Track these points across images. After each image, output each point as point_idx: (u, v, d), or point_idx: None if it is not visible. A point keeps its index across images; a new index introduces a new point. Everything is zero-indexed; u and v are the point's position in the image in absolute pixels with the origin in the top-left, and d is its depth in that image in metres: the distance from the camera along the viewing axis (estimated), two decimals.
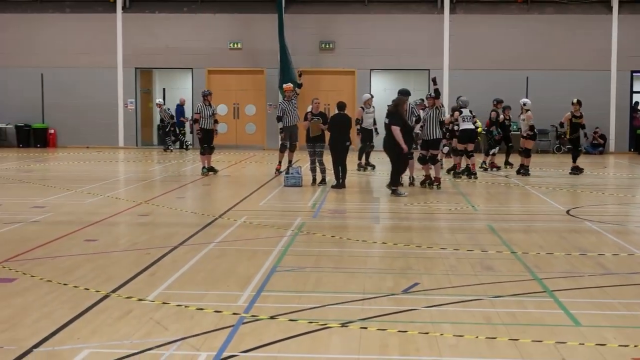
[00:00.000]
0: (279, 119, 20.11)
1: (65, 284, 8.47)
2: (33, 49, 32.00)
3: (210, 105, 20.69)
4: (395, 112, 16.65)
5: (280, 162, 20.71)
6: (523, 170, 21.14)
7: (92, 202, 15.06)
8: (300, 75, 22.04)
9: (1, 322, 7.04)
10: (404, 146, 16.18)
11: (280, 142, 20.46)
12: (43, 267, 9.43)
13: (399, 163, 16.52)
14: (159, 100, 31.03)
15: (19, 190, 17.40)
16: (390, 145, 16.49)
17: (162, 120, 30.70)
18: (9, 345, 6.40)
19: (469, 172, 20.28)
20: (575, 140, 21.38)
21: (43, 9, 32.26)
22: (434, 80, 18.28)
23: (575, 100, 21.20)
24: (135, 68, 32.14)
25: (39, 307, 7.59)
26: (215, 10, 31.80)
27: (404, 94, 17.82)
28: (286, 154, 20.22)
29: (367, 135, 21.77)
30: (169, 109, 30.23)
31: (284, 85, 20.90)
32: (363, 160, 22.38)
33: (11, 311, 7.43)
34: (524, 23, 31.11)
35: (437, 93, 17.86)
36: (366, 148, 22.07)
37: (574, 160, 21.55)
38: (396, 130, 16.22)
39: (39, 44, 32.02)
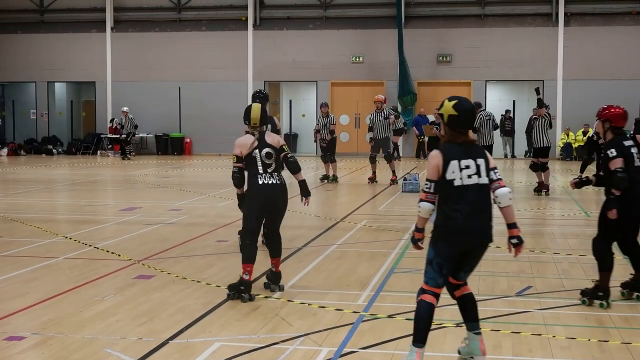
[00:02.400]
0: (370, 129, 19.80)
1: (198, 281, 8.65)
2: (172, 64, 32.91)
3: (326, 115, 20.29)
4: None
5: (393, 172, 20.02)
6: None
7: (223, 206, 15.34)
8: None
9: (141, 316, 7.24)
10: None
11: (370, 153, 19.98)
12: (179, 265, 9.66)
13: None
14: (125, 108, 30.41)
15: (158, 194, 17.88)
16: None
17: (122, 127, 29.89)
18: (147, 337, 6.57)
19: None
20: None
21: (182, 28, 33.14)
22: (537, 91, 17.83)
23: None
24: (265, 81, 32.63)
25: (175, 302, 7.76)
26: (338, 27, 32.00)
27: (478, 106, 17.40)
28: (384, 164, 19.93)
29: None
30: (133, 119, 29.68)
31: (376, 97, 20.07)
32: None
33: (150, 305, 7.62)
34: (639, 34, 30.11)
35: (540, 103, 17.42)
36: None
37: None
38: None
39: (177, 59, 32.90)
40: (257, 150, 8.02)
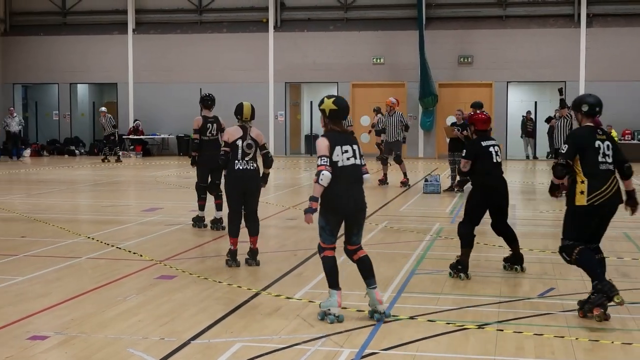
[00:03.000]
0: (382, 131, 19.55)
1: (219, 282, 8.66)
2: (193, 66, 32.99)
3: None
4: None
5: (385, 174, 19.87)
6: None
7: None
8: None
9: (163, 316, 7.26)
10: None
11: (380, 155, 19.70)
12: (200, 265, 9.68)
13: None
14: (103, 108, 30.19)
15: (179, 194, 17.92)
16: None
17: (104, 129, 29.48)
18: (169, 337, 6.58)
19: None
20: None
21: (203, 30, 33.24)
22: (560, 91, 17.77)
23: None
24: (285, 82, 32.67)
25: (196, 302, 7.78)
26: (359, 28, 31.97)
27: (477, 106, 17.26)
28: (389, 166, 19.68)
29: None
30: (112, 118, 29.35)
31: (387, 100, 19.84)
32: None
33: (171, 306, 7.64)
34: None
35: (563, 103, 17.34)
36: None
37: None
38: None
39: (198, 61, 32.98)
40: (240, 140, 9.52)
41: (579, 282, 8.71)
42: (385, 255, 10.29)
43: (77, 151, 33.92)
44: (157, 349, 6.26)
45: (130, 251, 10.53)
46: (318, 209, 6.99)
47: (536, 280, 8.81)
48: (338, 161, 7.00)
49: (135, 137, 33.05)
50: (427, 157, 31.04)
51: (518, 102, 32.42)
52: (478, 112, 9.30)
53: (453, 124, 18.34)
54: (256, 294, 8.09)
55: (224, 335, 6.65)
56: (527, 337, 6.60)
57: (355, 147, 7.14)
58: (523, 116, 32.03)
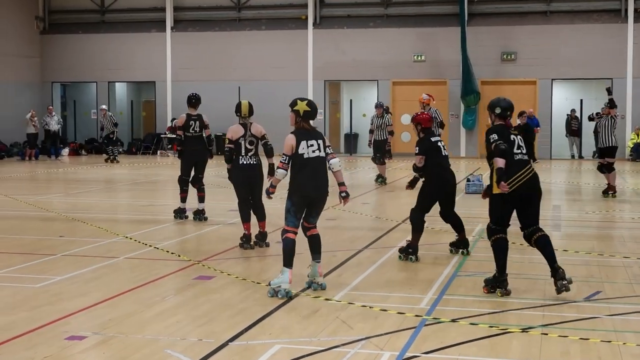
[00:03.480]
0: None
1: (258, 283, 8.67)
2: (231, 63, 33.09)
3: (381, 116, 19.94)
4: None
5: None
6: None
7: (284, 207, 15.32)
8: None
9: (201, 316, 7.28)
10: None
11: None
12: (239, 266, 9.71)
13: None
14: (103, 106, 30.11)
15: (217, 194, 17.99)
16: None
17: (102, 128, 29.32)
18: (207, 338, 6.60)
19: None
20: None
21: (241, 27, 33.33)
22: (608, 91, 17.52)
23: None
24: (325, 80, 32.63)
25: (235, 303, 7.79)
26: (400, 25, 31.85)
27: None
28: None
29: None
30: (113, 117, 29.08)
31: (420, 97, 19.25)
32: None
33: (210, 306, 7.66)
34: None
35: (613, 103, 17.11)
36: None
37: None
38: None
39: (236, 59, 33.08)
40: (242, 138, 10.75)
41: (627, 285, 8.59)
42: (427, 257, 10.23)
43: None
44: (195, 350, 6.28)
45: (168, 251, 10.59)
46: (287, 194, 8.25)
47: (582, 283, 8.70)
48: (304, 153, 8.20)
49: (173, 135, 33.19)
50: (469, 156, 30.85)
51: (563, 99, 32.08)
52: (424, 112, 10.67)
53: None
54: (295, 295, 8.08)
55: (263, 337, 6.65)
56: (572, 341, 6.52)
57: (320, 141, 8.34)
58: (567, 114, 31.70)
